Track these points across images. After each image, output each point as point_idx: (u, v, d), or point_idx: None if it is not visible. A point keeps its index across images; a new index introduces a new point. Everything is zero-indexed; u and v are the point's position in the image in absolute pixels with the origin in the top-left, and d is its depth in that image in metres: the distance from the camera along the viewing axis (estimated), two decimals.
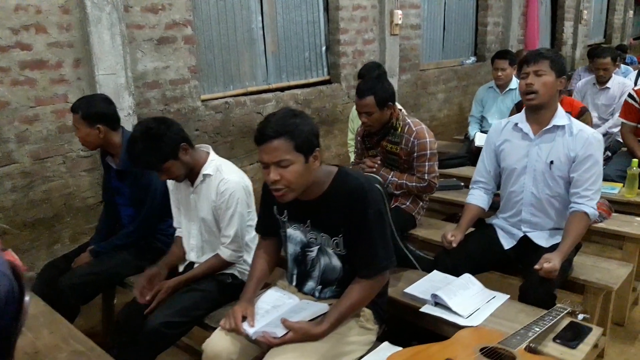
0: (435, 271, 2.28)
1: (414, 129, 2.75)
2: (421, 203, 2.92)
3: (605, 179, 3.71)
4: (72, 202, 3.25)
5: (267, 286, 2.00)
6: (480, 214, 2.50)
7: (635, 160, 3.25)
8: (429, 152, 2.74)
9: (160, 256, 2.40)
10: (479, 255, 2.36)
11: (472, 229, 2.55)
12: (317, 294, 1.83)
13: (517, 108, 3.61)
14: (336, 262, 1.76)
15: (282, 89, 4.46)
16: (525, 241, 2.35)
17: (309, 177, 1.63)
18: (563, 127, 2.25)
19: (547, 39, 8.77)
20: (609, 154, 4.12)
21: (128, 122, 3.29)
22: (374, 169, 2.84)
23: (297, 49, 4.62)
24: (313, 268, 1.82)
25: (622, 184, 3.39)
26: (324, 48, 4.87)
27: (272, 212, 1.86)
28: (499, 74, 4.29)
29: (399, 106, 3.68)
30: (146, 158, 2.04)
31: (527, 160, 2.31)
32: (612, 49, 4.37)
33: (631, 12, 11.19)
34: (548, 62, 2.19)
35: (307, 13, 4.63)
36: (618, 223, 2.84)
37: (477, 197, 2.49)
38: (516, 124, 2.36)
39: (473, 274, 2.43)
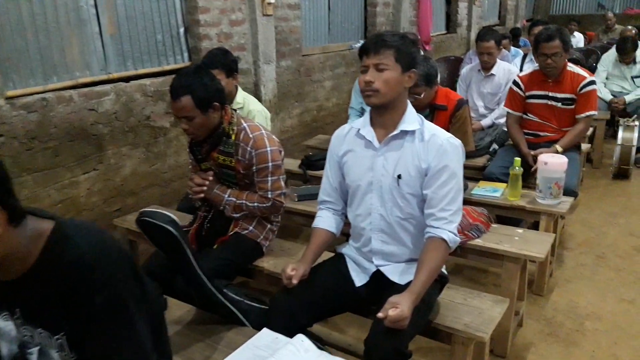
0: (264, 330, 1.72)
1: (250, 136, 2.17)
2: (269, 226, 2.35)
3: (489, 178, 3.36)
4: None
5: None
6: (330, 239, 1.99)
7: (517, 159, 2.89)
8: (271, 164, 2.18)
9: None
10: (326, 295, 1.86)
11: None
12: None
13: None
14: None
15: (126, 79, 3.71)
16: (379, 277, 1.86)
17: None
18: (413, 132, 1.78)
19: (442, 20, 8.52)
20: (496, 147, 3.80)
21: None
22: (204, 188, 2.23)
23: (145, 31, 3.87)
24: None
25: (506, 184, 3.03)
26: (182, 29, 4.15)
27: None
28: None
29: (249, 100, 3.08)
30: None
31: (372, 174, 1.81)
32: (495, 32, 4.02)
33: None
34: (392, 53, 1.70)
35: None
36: (497, 238, 2.44)
37: (325, 220, 1.98)
38: (359, 130, 1.85)
39: (318, 319, 1.95)
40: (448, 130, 2.91)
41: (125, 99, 3.61)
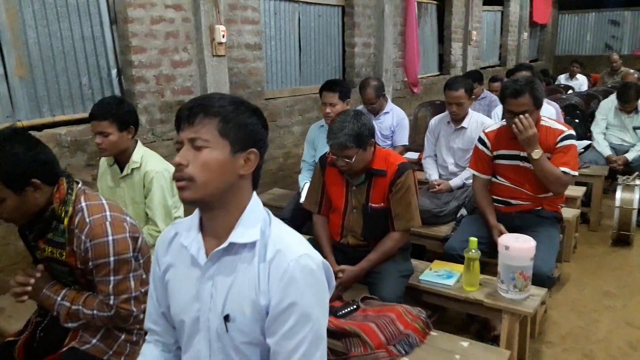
0: None
1: (87, 220, 1.63)
2: (123, 336, 1.78)
3: (448, 254, 2.74)
4: None
5: None
6: None
7: (473, 239, 2.32)
8: (113, 259, 1.63)
9: None
10: None
11: None
12: None
13: (320, 164, 2.58)
14: None
15: (39, 127, 3.23)
16: None
17: None
18: (252, 245, 1.18)
19: (435, 61, 8.05)
20: (464, 214, 3.22)
21: None
22: (29, 289, 1.68)
23: (67, 73, 3.41)
24: None
25: None
26: (114, 71, 3.69)
27: None
28: (327, 110, 3.30)
29: (148, 159, 2.45)
30: None
31: (198, 307, 1.22)
32: (465, 80, 3.47)
33: (526, 34, 10.83)
34: (215, 125, 1.14)
35: (81, 26, 3.44)
36: (431, 357, 1.84)
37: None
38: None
39: None
40: (388, 201, 2.39)
41: None
